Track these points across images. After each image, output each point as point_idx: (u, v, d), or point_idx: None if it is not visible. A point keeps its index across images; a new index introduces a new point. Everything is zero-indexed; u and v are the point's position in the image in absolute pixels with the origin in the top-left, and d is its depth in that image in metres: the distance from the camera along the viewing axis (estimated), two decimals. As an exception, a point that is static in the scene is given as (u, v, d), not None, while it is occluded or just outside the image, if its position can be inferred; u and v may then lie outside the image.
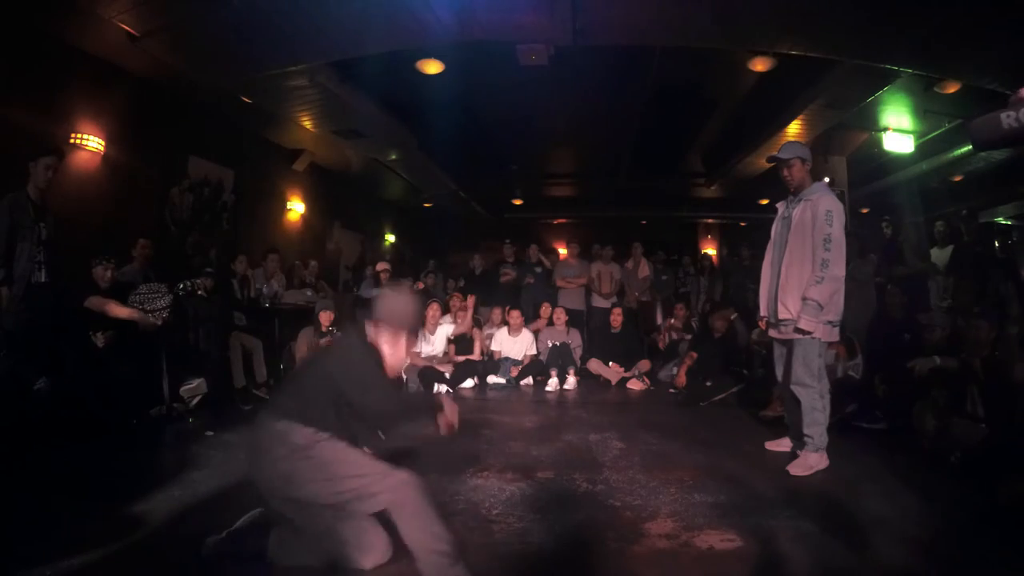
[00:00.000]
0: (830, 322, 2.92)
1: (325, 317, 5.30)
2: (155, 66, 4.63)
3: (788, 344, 3.05)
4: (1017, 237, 8.69)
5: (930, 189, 9.02)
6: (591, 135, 8.00)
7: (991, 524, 2.29)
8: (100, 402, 3.65)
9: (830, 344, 3.23)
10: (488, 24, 4.10)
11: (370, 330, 2.05)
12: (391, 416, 2.11)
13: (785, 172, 3.10)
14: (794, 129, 6.37)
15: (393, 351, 2.05)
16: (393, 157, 7.83)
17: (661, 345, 6.11)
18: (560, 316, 6.13)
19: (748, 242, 7.72)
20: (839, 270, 2.84)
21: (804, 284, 2.90)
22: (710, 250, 11.61)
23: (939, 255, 5.89)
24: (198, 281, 4.47)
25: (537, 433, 3.74)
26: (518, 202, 12.31)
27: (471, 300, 6.11)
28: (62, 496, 2.54)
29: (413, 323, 2.17)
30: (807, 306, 2.85)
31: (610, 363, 5.77)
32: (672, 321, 6.26)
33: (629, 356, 5.84)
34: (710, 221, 13.27)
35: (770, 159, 3.25)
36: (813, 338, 2.90)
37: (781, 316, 3.01)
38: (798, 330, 2.89)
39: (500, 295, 7.05)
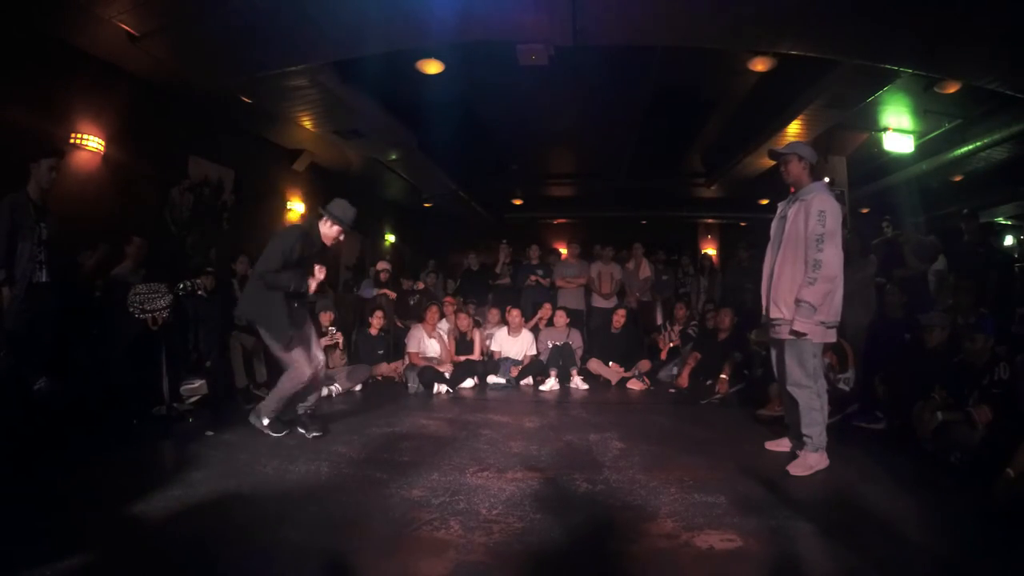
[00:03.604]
0: (823, 323, 2.89)
1: (325, 317, 5.31)
2: (155, 66, 4.63)
3: (782, 345, 3.05)
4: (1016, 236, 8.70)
5: (930, 189, 9.02)
6: (591, 135, 8.00)
7: (991, 524, 2.30)
8: (100, 402, 3.66)
9: (824, 349, 3.22)
10: (488, 24, 4.10)
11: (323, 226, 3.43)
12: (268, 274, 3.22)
13: (782, 167, 3.11)
14: (794, 129, 6.37)
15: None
16: (393, 157, 7.82)
17: (663, 355, 6.12)
18: (561, 317, 6.13)
19: (747, 242, 7.71)
20: (832, 271, 2.81)
21: (797, 285, 2.89)
22: (710, 250, 11.61)
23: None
24: (198, 281, 4.47)
25: (537, 433, 3.74)
26: (518, 202, 12.31)
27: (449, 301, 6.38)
28: (62, 496, 2.54)
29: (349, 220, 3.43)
30: (800, 308, 2.84)
31: (610, 363, 5.77)
32: (673, 329, 6.27)
33: (629, 356, 5.84)
34: (710, 221, 13.28)
35: (770, 153, 3.29)
36: (805, 339, 2.89)
37: (774, 316, 3.01)
38: (792, 331, 2.89)
39: (499, 295, 7.05)
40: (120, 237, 4.53)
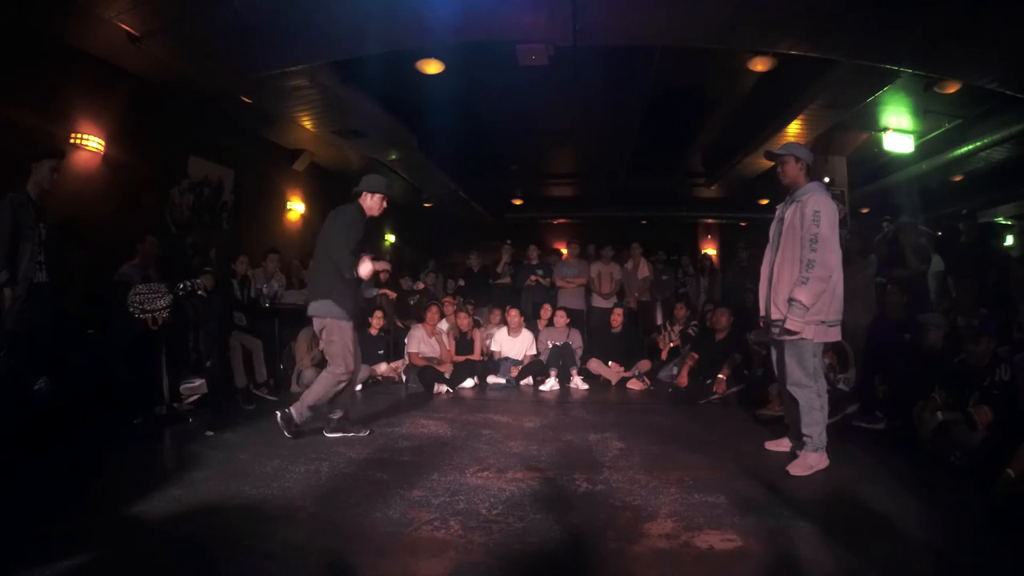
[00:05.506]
0: (823, 322, 2.89)
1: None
2: (155, 66, 4.62)
3: (782, 345, 3.05)
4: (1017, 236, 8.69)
5: (930, 189, 9.02)
6: (591, 135, 7.99)
7: (991, 524, 2.30)
8: (100, 402, 3.66)
9: (824, 349, 3.22)
10: (488, 24, 4.10)
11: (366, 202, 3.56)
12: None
13: (779, 168, 3.11)
14: (794, 129, 6.36)
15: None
16: (393, 157, 7.82)
17: (663, 355, 6.12)
18: (561, 317, 6.13)
19: (745, 242, 7.71)
20: (826, 271, 2.81)
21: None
22: (710, 250, 11.61)
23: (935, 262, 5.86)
24: (198, 281, 4.47)
25: (537, 433, 3.74)
26: (518, 202, 12.31)
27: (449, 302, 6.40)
28: (62, 496, 2.54)
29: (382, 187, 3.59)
30: (793, 307, 2.85)
31: (610, 363, 5.77)
32: (673, 329, 6.27)
33: (629, 356, 5.84)
34: (710, 221, 13.28)
35: (767, 154, 3.28)
36: (804, 339, 2.89)
37: (774, 317, 3.01)
38: (785, 331, 2.89)
39: (499, 295, 7.05)
40: (117, 238, 4.55)
